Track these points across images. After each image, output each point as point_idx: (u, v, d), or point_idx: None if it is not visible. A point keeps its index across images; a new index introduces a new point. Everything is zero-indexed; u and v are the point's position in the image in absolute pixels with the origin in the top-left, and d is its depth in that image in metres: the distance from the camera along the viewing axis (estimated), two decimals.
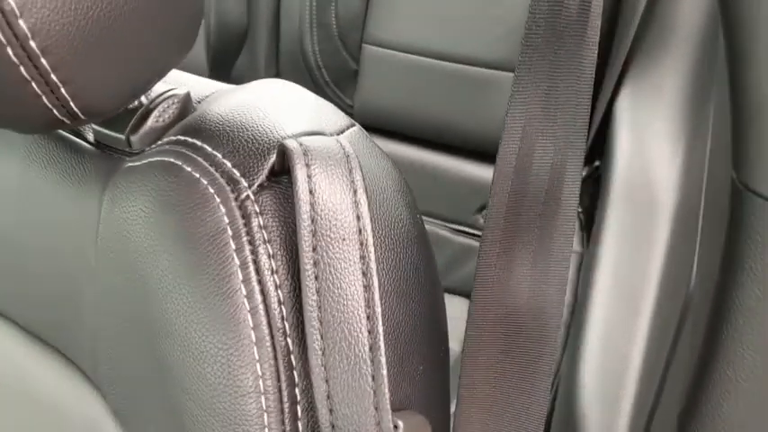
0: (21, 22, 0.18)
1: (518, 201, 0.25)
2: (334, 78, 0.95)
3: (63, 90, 0.20)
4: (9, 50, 0.18)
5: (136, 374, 0.25)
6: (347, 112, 0.97)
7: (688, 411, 0.29)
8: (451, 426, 0.27)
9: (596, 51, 0.23)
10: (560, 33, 0.23)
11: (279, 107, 0.25)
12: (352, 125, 0.26)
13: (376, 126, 0.94)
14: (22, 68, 0.19)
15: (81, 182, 0.27)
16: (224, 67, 1.18)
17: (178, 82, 0.29)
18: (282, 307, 0.21)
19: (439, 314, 0.27)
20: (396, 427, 0.21)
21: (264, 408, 0.20)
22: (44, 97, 0.20)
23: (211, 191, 0.21)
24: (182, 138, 0.24)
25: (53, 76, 0.20)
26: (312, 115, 0.25)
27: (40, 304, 0.30)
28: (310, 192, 0.20)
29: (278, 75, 1.03)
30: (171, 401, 0.23)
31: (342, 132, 0.25)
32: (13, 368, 0.34)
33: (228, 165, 0.22)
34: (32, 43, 0.18)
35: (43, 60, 0.19)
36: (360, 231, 0.20)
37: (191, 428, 0.22)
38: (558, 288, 0.26)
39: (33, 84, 0.20)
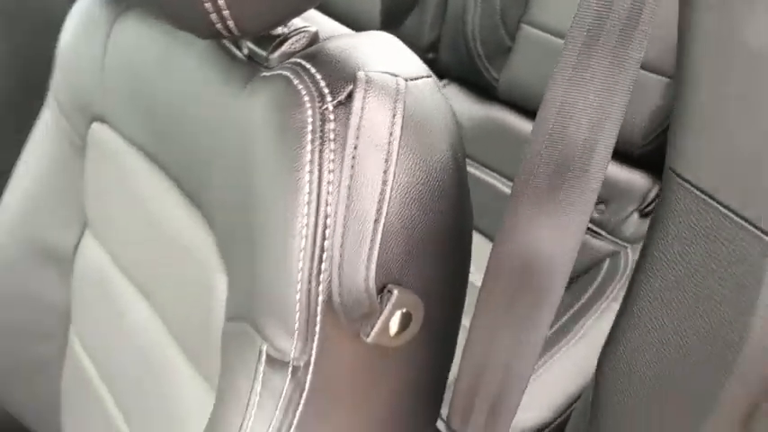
0: None
1: (550, 164, 0.30)
2: (486, 52, 0.99)
3: (226, 12, 0.29)
4: None
5: (234, 205, 0.35)
6: (492, 86, 1.01)
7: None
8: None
9: (643, 48, 0.27)
10: (612, 28, 0.27)
11: (373, 51, 0.32)
12: (428, 76, 0.33)
13: (517, 103, 0.98)
14: None
15: (232, 78, 0.37)
16: (394, 23, 1.27)
17: (314, 21, 0.37)
18: (330, 185, 0.29)
19: (463, 235, 0.34)
20: (389, 291, 0.28)
21: (302, 247, 0.29)
22: (212, 15, 0.29)
23: (306, 99, 0.30)
24: (300, 61, 0.32)
25: (220, 1, 0.28)
26: (394, 61, 0.32)
27: (185, 158, 0.42)
28: (361, 109, 0.28)
29: (438, 39, 1.09)
30: (251, 230, 0.32)
31: (414, 79, 0.31)
32: (160, 209, 0.46)
33: (322, 84, 0.30)
34: None
35: None
36: (389, 144, 0.28)
37: (259, 251, 0.31)
38: (574, 242, 0.31)
39: (207, 4, 0.29)
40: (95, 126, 0.54)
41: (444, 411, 0.40)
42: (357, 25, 0.43)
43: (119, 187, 0.52)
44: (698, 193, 0.23)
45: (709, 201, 0.22)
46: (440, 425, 0.44)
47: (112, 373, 0.57)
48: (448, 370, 0.40)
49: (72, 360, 0.63)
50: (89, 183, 0.57)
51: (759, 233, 0.21)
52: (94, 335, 0.59)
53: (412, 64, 0.33)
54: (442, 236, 0.31)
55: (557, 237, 0.31)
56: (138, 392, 0.53)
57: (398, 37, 0.37)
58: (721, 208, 0.22)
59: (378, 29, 0.39)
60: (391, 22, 1.28)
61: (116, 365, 0.56)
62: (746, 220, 0.21)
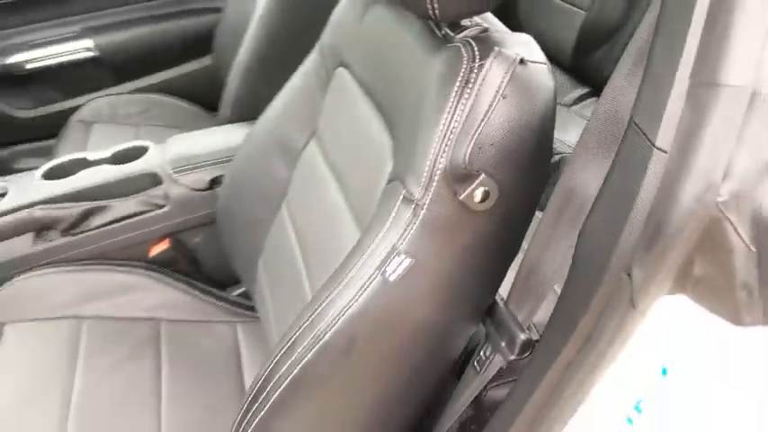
0: None
1: (602, 135, 0.50)
2: None
3: (435, 4, 0.53)
4: None
5: (409, 119, 0.59)
6: None
7: None
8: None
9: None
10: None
11: (512, 42, 0.55)
12: (543, 63, 0.54)
13: None
14: None
15: (431, 47, 0.61)
16: (583, 57, 1.46)
17: (489, 21, 0.60)
18: (462, 104, 0.52)
19: (541, 159, 0.54)
20: (478, 173, 0.50)
21: (438, 136, 0.52)
22: (427, 4, 0.53)
23: (464, 60, 0.53)
24: (470, 40, 0.56)
25: None
26: (521, 49, 0.54)
27: (390, 94, 0.67)
28: (488, 68, 0.51)
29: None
30: (416, 130, 0.57)
31: (531, 62, 0.53)
32: (364, 125, 0.72)
33: (476, 54, 0.53)
34: None
35: None
36: (499, 87, 0.50)
37: (416, 140, 0.56)
38: (600, 183, 0.50)
39: None
40: (340, 69, 0.83)
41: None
42: (548, 52, 0.62)
43: (343, 110, 0.80)
44: (635, 126, 0.41)
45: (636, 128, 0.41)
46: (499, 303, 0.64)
47: (305, 233, 0.85)
48: (511, 254, 0.60)
49: (278, 223, 0.94)
50: (325, 106, 0.86)
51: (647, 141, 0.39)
52: (299, 204, 0.89)
53: (534, 53, 0.55)
54: (524, 153, 0.52)
55: (596, 180, 0.50)
56: (317, 244, 0.80)
57: None
58: (640, 131, 0.40)
59: (569, 59, 0.61)
60: (581, 55, 1.46)
61: (308, 228, 0.85)
62: (644, 134, 0.39)
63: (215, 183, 1.09)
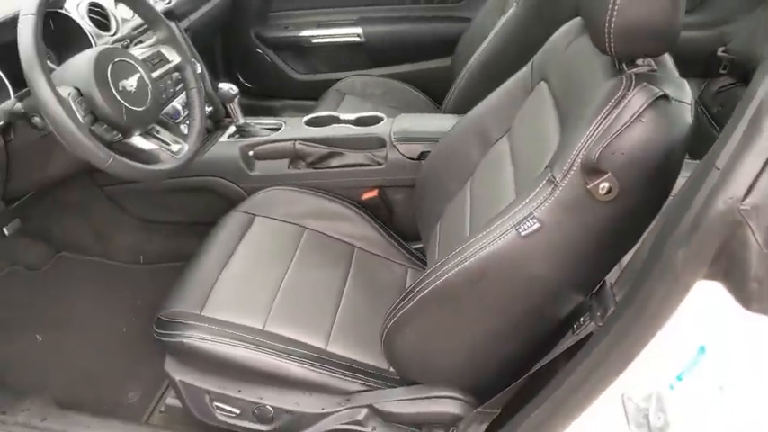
0: None
1: None
2: None
3: (613, 46, 0.72)
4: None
5: (576, 120, 0.80)
6: None
7: None
8: None
9: None
10: None
11: (669, 81, 0.72)
12: (687, 103, 0.70)
13: None
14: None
15: (608, 73, 0.79)
16: None
17: (661, 62, 0.77)
18: (610, 114, 0.70)
19: (666, 175, 0.71)
20: (605, 172, 0.69)
21: (586, 135, 0.72)
22: (607, 45, 0.73)
23: (623, 86, 0.71)
24: (636, 75, 0.73)
25: (612, 41, 0.72)
26: (673, 90, 0.70)
27: (570, 99, 0.88)
28: (635, 95, 0.69)
29: None
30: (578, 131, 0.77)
31: (675, 100, 0.69)
32: (543, 122, 0.93)
33: (634, 84, 0.71)
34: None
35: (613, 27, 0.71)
36: (639, 112, 0.67)
37: (573, 139, 0.76)
38: None
39: (606, 40, 0.72)
40: (542, 83, 1.04)
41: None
42: None
43: (535, 115, 1.02)
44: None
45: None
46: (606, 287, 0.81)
47: (477, 204, 1.09)
48: (625, 245, 0.77)
49: (461, 195, 1.18)
50: (523, 110, 1.08)
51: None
52: (479, 183, 1.12)
53: (682, 94, 0.71)
54: (650, 167, 0.69)
55: None
56: (483, 215, 1.03)
57: None
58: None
59: None
60: None
61: (480, 200, 1.08)
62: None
63: (423, 155, 1.38)
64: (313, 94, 2.24)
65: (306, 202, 1.39)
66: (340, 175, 1.42)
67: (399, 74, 2.16)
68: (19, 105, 0.96)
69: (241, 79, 2.30)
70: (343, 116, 1.52)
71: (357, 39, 2.14)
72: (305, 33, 2.16)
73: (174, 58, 1.17)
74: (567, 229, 0.75)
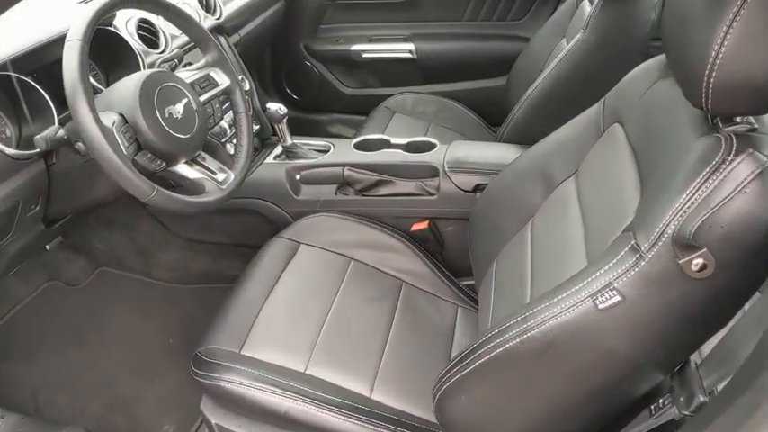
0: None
1: None
2: None
3: (710, 104, 0.63)
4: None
5: (663, 177, 0.70)
6: None
7: None
8: None
9: None
10: None
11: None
12: None
13: None
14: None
15: (701, 128, 0.70)
16: None
17: (762, 120, 0.67)
18: (707, 183, 0.61)
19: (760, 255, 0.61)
20: (700, 248, 0.60)
21: (679, 203, 0.63)
22: (704, 101, 0.63)
23: (720, 149, 0.62)
24: (731, 135, 0.64)
25: (709, 99, 0.63)
26: None
27: (652, 150, 0.79)
28: (738, 162, 0.59)
29: None
30: (667, 192, 0.67)
31: None
32: (617, 170, 0.84)
33: (733, 149, 0.62)
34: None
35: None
36: (742, 183, 0.58)
37: (661, 202, 0.67)
38: None
39: (703, 97, 0.63)
40: (615, 126, 0.95)
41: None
42: None
43: (607, 160, 0.92)
44: None
45: None
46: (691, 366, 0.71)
47: (539, 252, 1.00)
48: (716, 324, 0.68)
49: (520, 237, 1.10)
50: (593, 152, 0.99)
51: None
52: (542, 227, 1.03)
53: None
54: (752, 243, 0.60)
55: None
56: (547, 263, 0.95)
57: None
58: None
59: None
60: None
61: (543, 249, 1.00)
62: None
63: (478, 188, 1.30)
64: (361, 108, 2.18)
65: (353, 230, 1.33)
66: (389, 204, 1.35)
67: (451, 92, 2.08)
68: (62, 132, 0.93)
69: (289, 91, 2.27)
70: (393, 140, 1.45)
71: (409, 55, 2.07)
72: (355, 48, 2.10)
73: (224, 81, 1.12)
74: (652, 304, 0.66)
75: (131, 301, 1.52)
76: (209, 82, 1.10)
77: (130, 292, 1.54)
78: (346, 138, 2.16)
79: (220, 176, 1.05)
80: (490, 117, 2.01)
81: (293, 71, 2.21)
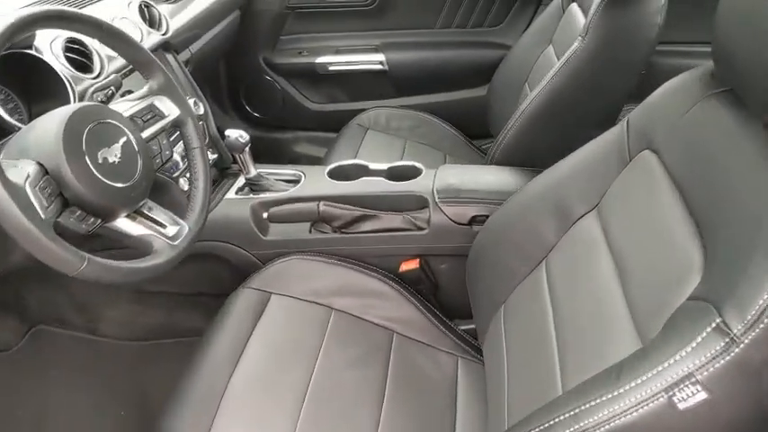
0: None
1: None
2: None
3: None
4: None
5: (740, 232, 0.55)
6: None
7: None
8: None
9: None
10: None
11: None
12: None
13: None
14: None
15: None
16: None
17: None
18: None
19: None
20: None
21: None
22: None
23: None
24: None
25: None
26: None
27: (705, 189, 0.64)
28: None
29: None
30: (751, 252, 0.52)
31: None
32: (661, 214, 0.68)
33: None
34: None
35: None
36: None
37: (746, 267, 0.51)
38: None
39: None
40: (646, 152, 0.79)
41: None
42: None
43: (640, 194, 0.77)
44: None
45: None
46: None
47: (563, 303, 0.84)
48: None
49: (533, 280, 0.94)
50: (618, 183, 0.83)
51: None
52: (562, 272, 0.87)
53: None
54: None
55: None
56: (578, 326, 0.77)
57: None
58: None
59: None
60: None
61: (569, 299, 0.83)
62: None
63: (475, 221, 1.13)
64: (330, 125, 2.01)
65: (332, 274, 1.15)
66: (374, 242, 1.18)
67: (427, 105, 1.92)
68: None
69: (249, 109, 2.07)
70: (372, 166, 1.28)
71: (379, 66, 1.90)
72: (321, 60, 1.92)
73: (171, 110, 0.93)
74: (747, 401, 0.51)
75: (73, 364, 1.31)
76: (153, 113, 0.91)
77: (72, 354, 1.32)
78: (316, 158, 1.99)
79: (171, 230, 0.86)
80: (470, 130, 1.86)
81: (253, 87, 2.02)
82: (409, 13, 1.89)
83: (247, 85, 2.02)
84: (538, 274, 0.94)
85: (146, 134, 0.88)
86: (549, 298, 0.88)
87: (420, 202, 1.17)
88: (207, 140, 1.31)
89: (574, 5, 1.43)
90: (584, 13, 1.34)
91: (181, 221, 0.88)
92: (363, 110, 1.85)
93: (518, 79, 1.59)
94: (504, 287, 0.99)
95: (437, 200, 1.15)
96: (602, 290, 0.76)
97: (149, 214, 0.85)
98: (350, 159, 1.40)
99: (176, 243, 0.85)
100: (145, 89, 0.92)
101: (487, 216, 1.13)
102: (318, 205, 1.16)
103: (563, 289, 0.86)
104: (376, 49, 1.91)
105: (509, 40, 1.86)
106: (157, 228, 0.85)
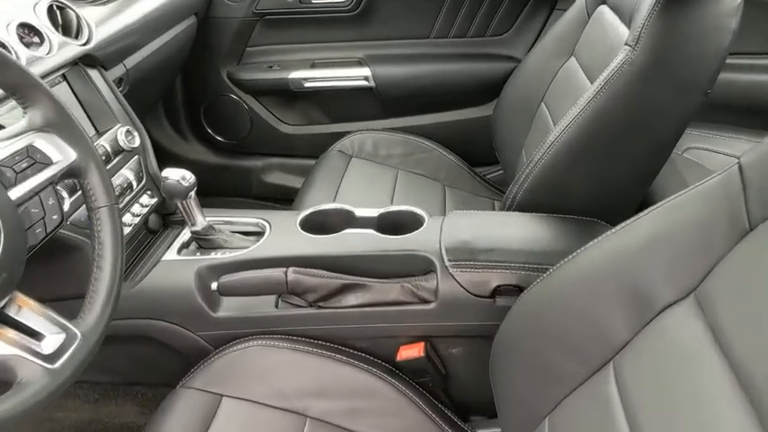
0: None
1: None
2: None
3: None
4: None
5: None
6: None
7: None
8: None
9: None
10: None
11: None
12: None
13: None
14: None
15: None
16: None
17: None
18: None
19: None
20: None
21: None
22: None
23: None
24: None
25: None
26: None
27: None
28: None
29: None
30: None
31: None
32: None
33: None
34: None
35: None
36: None
37: None
38: None
39: None
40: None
41: None
42: None
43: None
44: None
45: None
46: None
47: (642, 426, 0.56)
48: None
49: (594, 386, 0.65)
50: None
51: None
52: (639, 380, 0.59)
53: None
54: None
55: None
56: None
57: None
58: None
59: None
60: None
61: (652, 421, 0.55)
62: None
63: (499, 291, 0.84)
64: (307, 150, 1.72)
65: (306, 367, 0.85)
66: (362, 321, 0.88)
67: (421, 127, 1.64)
68: None
69: (210, 132, 1.77)
70: (360, 212, 0.99)
71: (364, 83, 1.61)
72: (295, 75, 1.62)
73: (65, 154, 0.63)
74: None
75: None
76: (33, 159, 0.60)
77: None
78: (290, 188, 1.69)
79: (51, 342, 0.55)
80: (471, 156, 1.58)
81: (215, 107, 1.72)
82: (399, 20, 1.60)
83: (208, 104, 1.72)
84: (600, 381, 0.65)
85: (17, 192, 0.58)
86: (623, 409, 0.59)
87: (424, 265, 0.88)
88: (144, 182, 1.01)
89: (604, 9, 1.16)
90: (622, 17, 1.06)
91: (69, 326, 0.57)
92: (346, 133, 1.56)
93: (532, 98, 1.32)
94: (551, 393, 0.70)
95: (447, 263, 0.86)
96: (713, 418, 0.47)
97: (17, 319, 0.55)
98: (328, 202, 1.11)
99: (56, 366, 0.54)
100: (22, 124, 0.62)
101: (516, 286, 0.84)
102: (287, 273, 0.86)
103: (646, 406, 0.57)
104: (360, 63, 1.62)
105: (517, 52, 1.58)
106: (27, 342, 0.54)
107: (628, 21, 0.99)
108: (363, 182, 1.40)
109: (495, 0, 1.56)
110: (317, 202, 1.32)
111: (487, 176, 1.59)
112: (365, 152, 1.51)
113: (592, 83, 1.06)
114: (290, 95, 1.67)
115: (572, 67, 1.22)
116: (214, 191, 1.77)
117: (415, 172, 1.48)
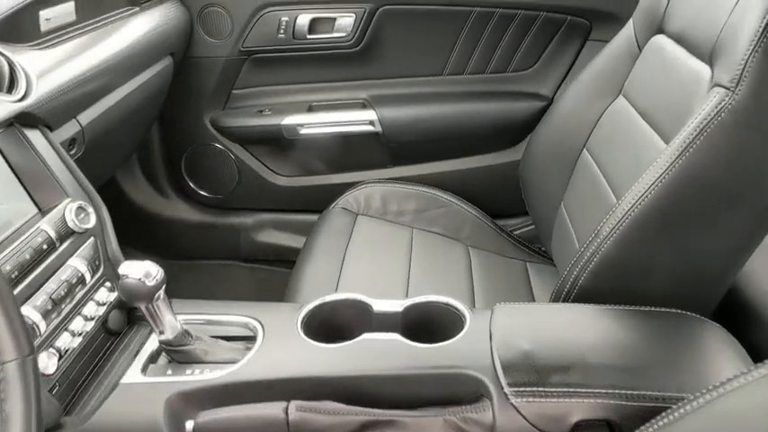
0: None
1: None
2: None
3: None
4: None
5: None
6: None
7: None
8: None
9: None
10: None
11: None
12: None
13: None
14: None
15: None
16: None
17: None
18: None
19: None
20: None
21: None
22: None
23: None
24: None
25: None
26: None
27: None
28: None
29: None
30: None
31: None
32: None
33: None
34: None
35: None
36: None
37: None
38: None
39: None
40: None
41: None
42: None
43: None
44: None
45: None
46: None
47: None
48: None
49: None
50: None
51: None
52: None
53: None
54: None
55: None
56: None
57: None
58: None
59: None
60: None
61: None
62: None
63: (580, 428, 0.61)
64: (302, 204, 1.51)
65: None
66: None
67: (435, 176, 1.43)
68: None
69: (193, 186, 1.54)
70: (378, 305, 0.77)
71: (370, 128, 1.40)
72: (289, 121, 1.41)
73: None
74: None
75: None
76: None
77: None
78: (287, 249, 1.47)
79: None
80: (495, 209, 1.37)
81: (197, 157, 1.50)
82: (407, 55, 1.40)
83: (190, 155, 1.50)
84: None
85: None
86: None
87: (473, 388, 0.65)
88: (101, 272, 0.78)
89: (662, 40, 0.95)
90: (692, 50, 0.85)
91: None
92: (349, 185, 1.35)
93: (570, 143, 1.11)
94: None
95: (506, 388, 0.63)
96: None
97: None
98: (334, 274, 0.90)
99: None
100: None
101: (605, 422, 0.61)
102: (287, 411, 0.62)
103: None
104: (364, 105, 1.42)
105: (544, 89, 1.39)
106: None
107: (706, 55, 0.78)
108: (374, 246, 1.19)
109: (518, 31, 1.36)
110: (320, 273, 1.10)
111: (515, 231, 1.38)
112: (373, 208, 1.30)
113: (654, 128, 0.86)
114: (285, 144, 1.45)
115: (621, 108, 1.01)
116: (198, 253, 1.55)
117: (432, 231, 1.26)
